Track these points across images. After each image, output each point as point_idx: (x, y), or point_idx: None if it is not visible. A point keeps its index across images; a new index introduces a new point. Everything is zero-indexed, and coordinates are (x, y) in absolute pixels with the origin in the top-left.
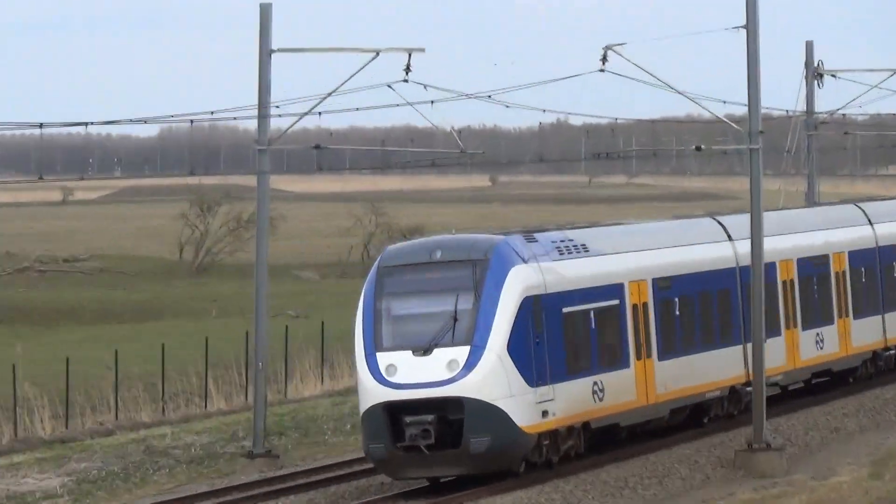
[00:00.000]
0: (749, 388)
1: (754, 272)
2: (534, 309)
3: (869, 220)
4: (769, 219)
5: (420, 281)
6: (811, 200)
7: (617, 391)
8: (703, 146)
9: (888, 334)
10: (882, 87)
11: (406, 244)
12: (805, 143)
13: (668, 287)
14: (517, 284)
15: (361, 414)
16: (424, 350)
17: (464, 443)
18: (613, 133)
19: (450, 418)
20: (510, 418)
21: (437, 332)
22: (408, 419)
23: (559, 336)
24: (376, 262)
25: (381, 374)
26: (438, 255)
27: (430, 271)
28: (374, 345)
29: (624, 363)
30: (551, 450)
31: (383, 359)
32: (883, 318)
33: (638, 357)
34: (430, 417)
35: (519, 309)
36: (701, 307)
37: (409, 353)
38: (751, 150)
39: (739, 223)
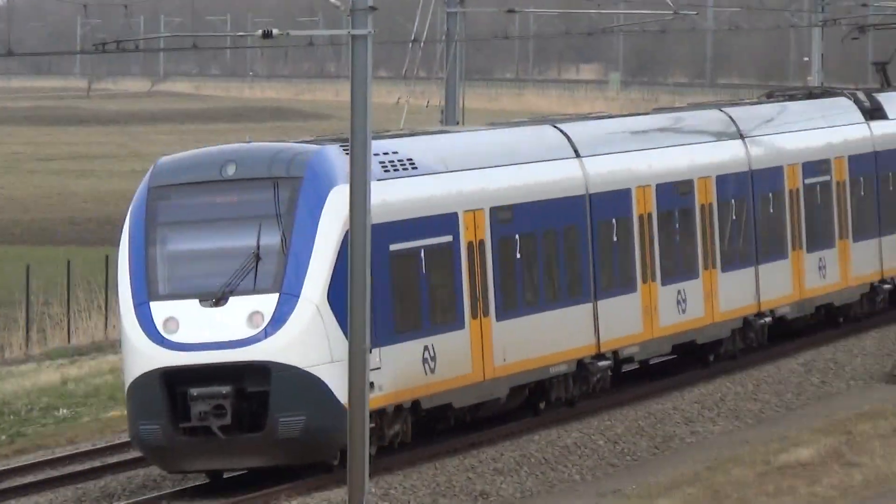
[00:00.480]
0: (601, 363)
1: (355, 235)
2: (339, 249)
3: (740, 133)
4: (609, 127)
5: (208, 206)
6: (450, 118)
7: (450, 360)
8: (275, 30)
9: (762, 297)
10: None
11: (187, 155)
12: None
13: (508, 220)
14: (339, 212)
15: (128, 385)
16: (217, 299)
17: (269, 424)
18: (128, 11)
19: (251, 391)
20: (331, 391)
21: (234, 274)
22: (194, 391)
23: (386, 283)
24: (145, 180)
25: (156, 330)
26: (232, 170)
27: (222, 193)
28: (146, 292)
29: (458, 323)
30: (373, 435)
31: (160, 310)
32: (757, 271)
33: (474, 315)
34: (225, 389)
35: (341, 245)
36: (545, 249)
37: (196, 302)
38: (353, 36)
39: (589, 133)
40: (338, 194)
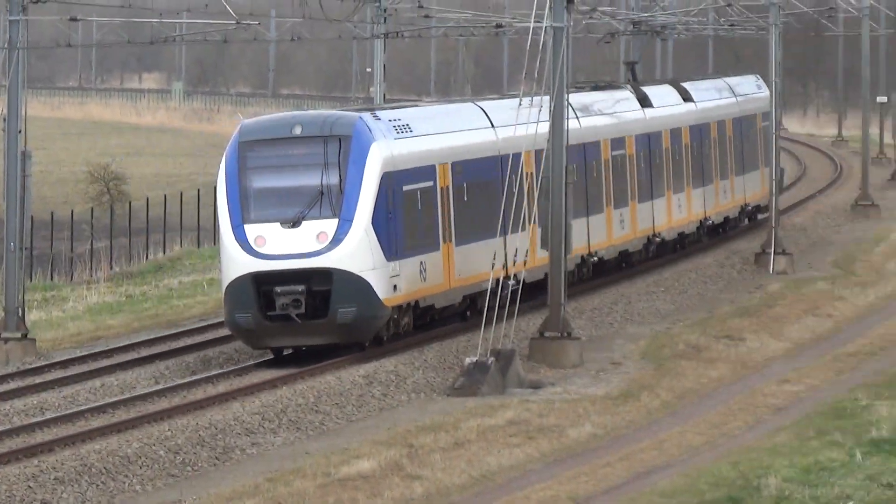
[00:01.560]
0: (510, 283)
1: None
2: (388, 185)
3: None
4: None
5: (284, 156)
6: (12, 127)
7: (433, 272)
8: None
9: (591, 241)
10: None
11: (264, 119)
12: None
13: (461, 172)
14: (378, 160)
15: (226, 285)
16: (293, 222)
17: (331, 313)
18: None
19: (318, 289)
20: (374, 290)
21: (306, 205)
22: (278, 289)
23: (402, 214)
24: (234, 137)
25: (249, 245)
26: (299, 130)
27: (294, 146)
28: (241, 217)
29: (436, 246)
30: (393, 324)
31: (251, 230)
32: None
33: (444, 241)
34: (300, 288)
35: (379, 184)
36: (481, 195)
37: (278, 224)
38: None
39: (499, 108)
40: (376, 148)
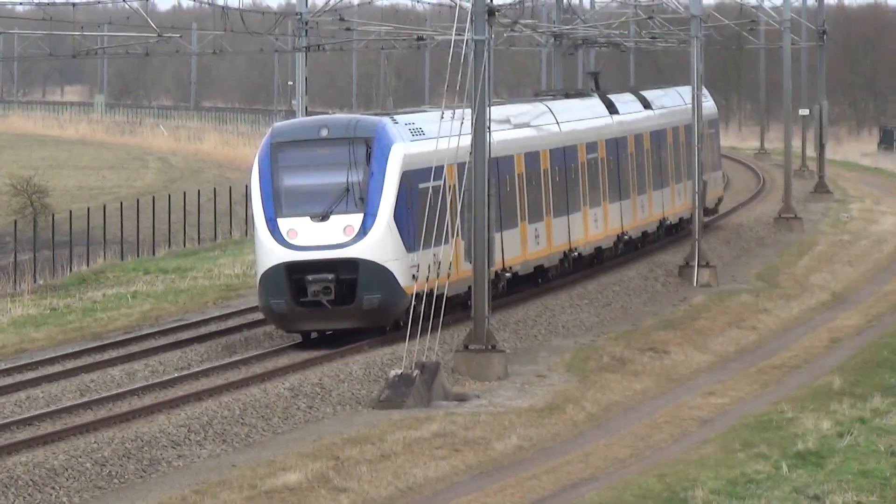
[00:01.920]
0: (507, 274)
1: None
2: (407, 183)
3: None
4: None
5: (313, 155)
6: None
7: (444, 264)
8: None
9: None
10: None
11: (293, 122)
12: None
13: (462, 171)
14: (398, 160)
15: (261, 274)
16: (322, 216)
17: (358, 299)
18: None
19: (345, 277)
20: (395, 278)
21: (333, 200)
22: (310, 277)
23: (417, 210)
24: (266, 139)
25: (282, 237)
26: (325, 132)
27: (322, 147)
28: (274, 211)
29: (446, 240)
30: (414, 311)
31: (284, 224)
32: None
33: (453, 236)
34: (329, 276)
35: (400, 182)
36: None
37: (308, 218)
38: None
39: (499, 113)
40: (396, 149)
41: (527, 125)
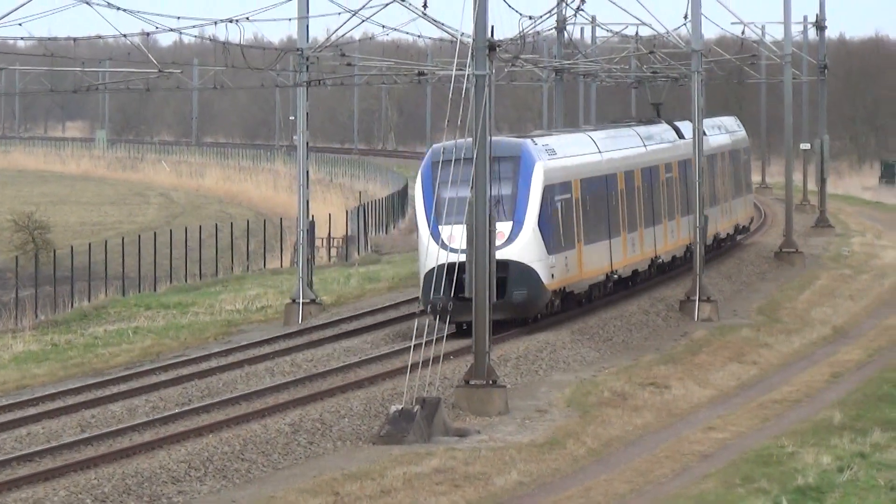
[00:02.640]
0: (614, 277)
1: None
2: (546, 196)
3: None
4: (613, 133)
5: (467, 172)
6: None
7: (573, 265)
8: None
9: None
10: None
11: (450, 143)
12: None
13: (586, 187)
14: (540, 176)
15: (423, 273)
16: None
17: (507, 294)
18: None
19: (498, 276)
20: (539, 277)
21: (495, 207)
22: (466, 276)
23: (555, 219)
24: (427, 158)
25: (443, 242)
26: None
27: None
28: (435, 220)
29: (574, 245)
30: (550, 305)
31: (445, 230)
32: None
33: (578, 241)
34: None
35: (542, 195)
36: (602, 204)
37: (464, 226)
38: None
39: (606, 137)
40: (538, 166)
41: (628, 147)
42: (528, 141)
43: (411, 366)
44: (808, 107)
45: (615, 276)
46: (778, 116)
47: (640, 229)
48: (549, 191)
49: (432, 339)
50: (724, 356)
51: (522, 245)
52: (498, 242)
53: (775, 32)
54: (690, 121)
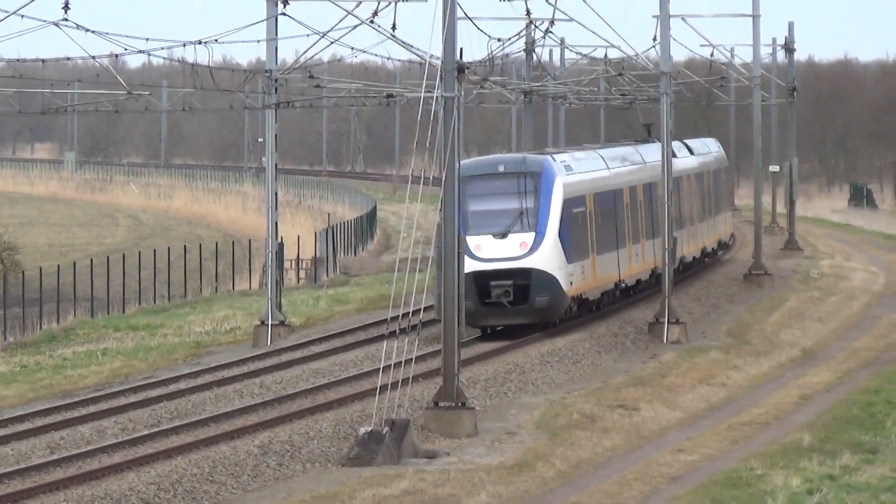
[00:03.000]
0: (621, 286)
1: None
2: (565, 209)
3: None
4: (617, 153)
5: (493, 186)
6: None
7: (588, 274)
8: None
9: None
10: None
11: (476, 160)
12: None
13: (597, 201)
14: (560, 191)
15: None
16: (502, 234)
17: (531, 300)
18: None
19: (521, 283)
20: (560, 284)
21: (511, 222)
22: (493, 283)
23: (573, 230)
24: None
25: (471, 251)
26: (502, 168)
27: (500, 179)
28: (465, 229)
29: (588, 255)
30: (570, 310)
31: (472, 240)
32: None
33: (592, 251)
34: (509, 282)
35: (562, 208)
36: (611, 218)
37: (491, 236)
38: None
39: (614, 155)
40: (559, 181)
41: (630, 163)
42: (549, 157)
43: (380, 387)
44: (777, 129)
45: (622, 284)
46: (747, 139)
47: (642, 241)
48: (567, 204)
49: (401, 361)
50: (693, 378)
51: (544, 254)
52: (521, 252)
53: (744, 55)
54: (667, 140)
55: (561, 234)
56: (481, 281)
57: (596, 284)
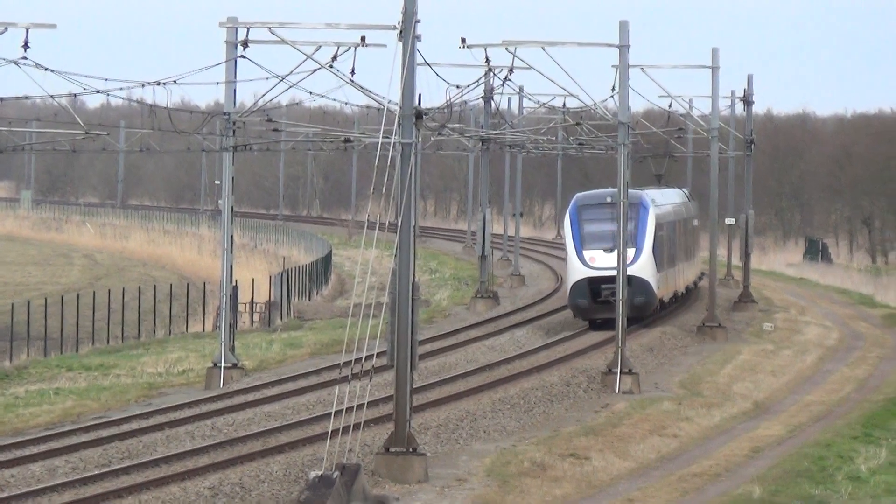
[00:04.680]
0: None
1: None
2: (656, 232)
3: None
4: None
5: (603, 212)
6: None
7: (667, 282)
8: None
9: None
10: None
11: (589, 192)
12: None
13: (668, 227)
14: (653, 218)
15: (570, 285)
16: (610, 249)
17: (631, 299)
18: None
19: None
20: (652, 287)
21: (616, 240)
22: (603, 286)
23: (659, 248)
24: (573, 203)
25: (586, 261)
26: (609, 199)
27: (608, 208)
28: (581, 246)
29: (665, 268)
30: (654, 310)
31: (587, 253)
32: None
33: (666, 265)
34: (614, 286)
35: (654, 232)
36: (674, 242)
37: (601, 251)
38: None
39: (665, 195)
40: (652, 211)
41: (672, 203)
42: (644, 192)
43: (332, 432)
44: (734, 181)
45: (678, 293)
46: (704, 190)
47: (683, 263)
48: (657, 228)
49: (353, 406)
50: (644, 429)
51: (642, 265)
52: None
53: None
54: (624, 190)
55: (654, 250)
56: (594, 284)
57: (668, 291)
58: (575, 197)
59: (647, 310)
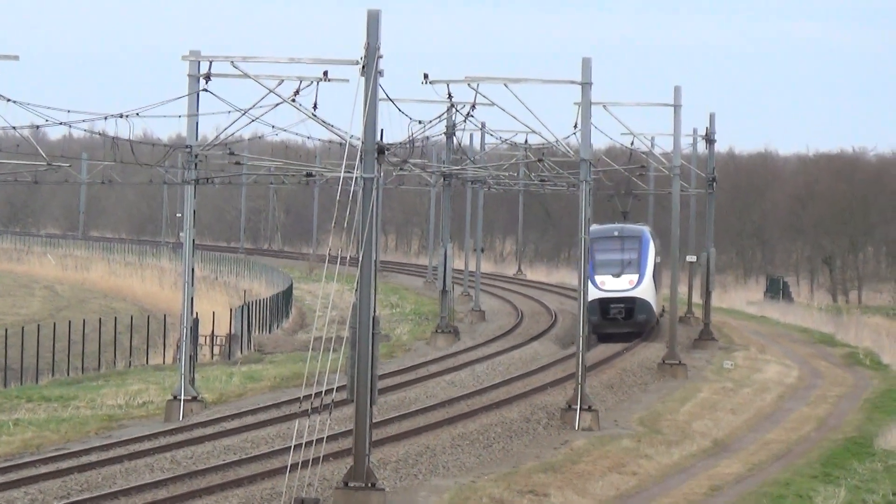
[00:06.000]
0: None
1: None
2: (655, 260)
3: None
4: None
5: (612, 243)
6: None
7: (661, 302)
8: None
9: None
10: None
11: (601, 226)
12: None
13: (660, 258)
14: (653, 249)
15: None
16: (618, 275)
17: (635, 317)
18: None
19: (627, 307)
20: (653, 307)
21: (623, 267)
22: (612, 306)
23: (657, 275)
24: (591, 234)
25: (597, 284)
26: (617, 233)
27: (616, 241)
28: (594, 271)
29: (660, 291)
30: (654, 325)
31: (598, 278)
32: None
33: (661, 288)
34: (621, 306)
35: (654, 261)
36: (660, 270)
37: (610, 276)
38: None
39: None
40: (652, 244)
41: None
42: (645, 227)
43: (291, 466)
44: (695, 219)
45: (666, 312)
46: (665, 228)
47: (665, 289)
48: (655, 257)
49: (313, 440)
50: (603, 466)
51: (644, 288)
52: (629, 286)
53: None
54: (586, 227)
55: (654, 276)
56: (604, 304)
57: (660, 309)
58: (591, 229)
59: (649, 325)
